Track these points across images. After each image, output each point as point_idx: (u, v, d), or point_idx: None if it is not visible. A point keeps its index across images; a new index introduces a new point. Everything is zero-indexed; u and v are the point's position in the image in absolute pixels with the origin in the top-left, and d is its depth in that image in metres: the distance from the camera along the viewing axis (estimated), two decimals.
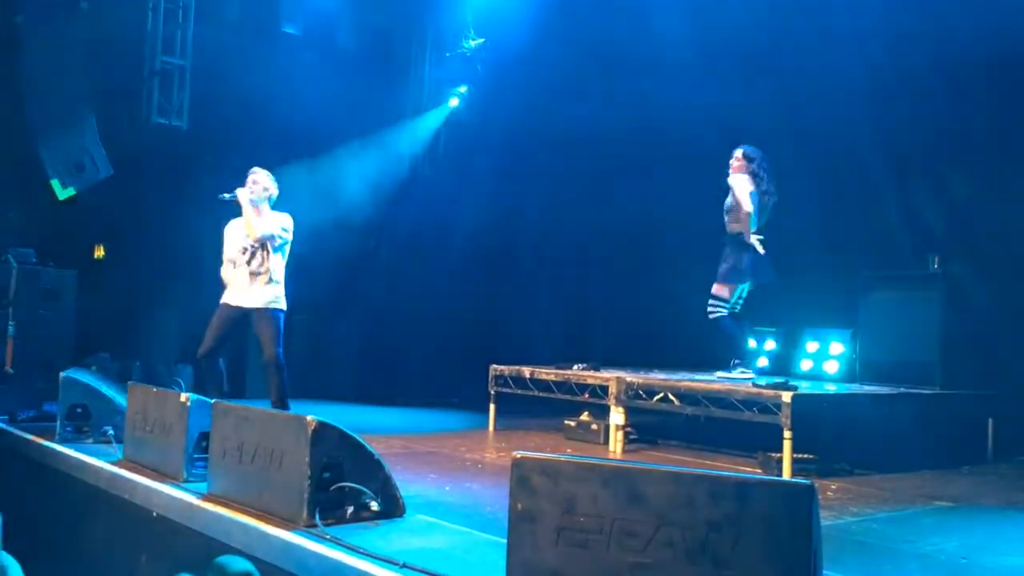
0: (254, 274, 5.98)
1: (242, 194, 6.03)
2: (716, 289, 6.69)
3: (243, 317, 6.01)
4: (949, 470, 5.90)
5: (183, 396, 4.50)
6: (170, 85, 8.92)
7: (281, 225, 6.05)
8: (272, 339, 5.92)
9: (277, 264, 6.05)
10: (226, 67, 9.03)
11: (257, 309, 5.97)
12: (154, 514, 4.22)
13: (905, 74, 7.47)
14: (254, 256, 6.01)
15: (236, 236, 6.09)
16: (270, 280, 6.00)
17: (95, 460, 4.92)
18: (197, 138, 8.92)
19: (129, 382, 5.54)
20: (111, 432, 5.39)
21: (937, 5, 6.90)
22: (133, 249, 8.48)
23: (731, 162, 6.70)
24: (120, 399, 5.46)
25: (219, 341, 5.99)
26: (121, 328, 8.51)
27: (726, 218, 6.70)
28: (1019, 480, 5.72)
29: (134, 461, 4.82)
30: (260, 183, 6.13)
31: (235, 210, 6.08)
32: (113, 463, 4.84)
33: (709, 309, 6.68)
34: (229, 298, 6.04)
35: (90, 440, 5.44)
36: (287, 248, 6.11)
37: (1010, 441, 6.51)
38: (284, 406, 5.80)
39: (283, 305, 6.07)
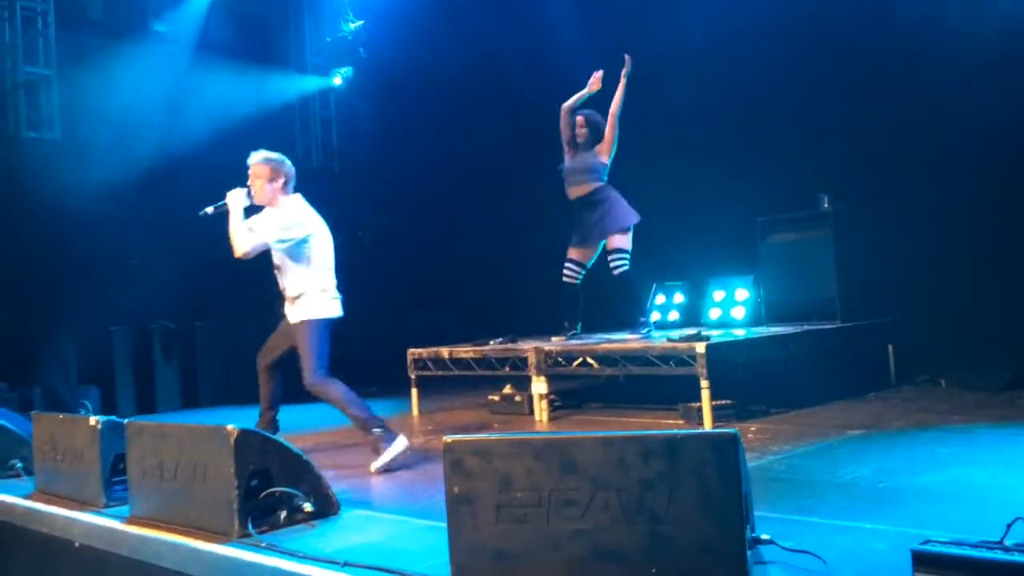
0: (286, 293, 5.05)
1: (234, 199, 4.93)
2: (618, 242, 6.49)
3: (288, 330, 5.08)
4: (857, 399, 6.18)
5: (92, 419, 4.32)
6: (37, 96, 8.49)
7: (280, 225, 4.93)
8: (307, 359, 4.91)
9: (298, 277, 4.98)
10: (95, 72, 8.63)
11: (295, 325, 5.01)
12: (76, 544, 4.06)
13: (786, 19, 7.65)
14: (280, 269, 5.05)
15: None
16: (296, 296, 5.00)
17: (6, 496, 4.69)
18: (73, 149, 8.52)
19: (33, 411, 5.29)
20: (20, 465, 5.13)
21: None
22: (17, 271, 8.07)
23: (580, 135, 6.73)
24: (25, 429, 5.21)
25: (272, 354, 5.15)
26: (16, 355, 8.10)
27: (582, 178, 6.63)
28: (922, 401, 6.03)
29: (48, 492, 4.61)
30: (257, 174, 5.00)
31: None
32: (25, 497, 4.62)
33: (615, 265, 6.50)
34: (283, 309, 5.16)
35: None
36: (304, 246, 4.97)
37: (909, 364, 6.85)
38: (363, 426, 4.90)
39: (318, 313, 4.98)
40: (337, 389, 4.88)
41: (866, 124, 7.42)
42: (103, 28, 9.09)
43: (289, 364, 5.17)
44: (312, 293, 4.98)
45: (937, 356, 6.83)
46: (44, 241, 8.11)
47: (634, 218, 6.57)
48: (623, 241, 6.54)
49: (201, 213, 5.02)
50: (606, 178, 6.67)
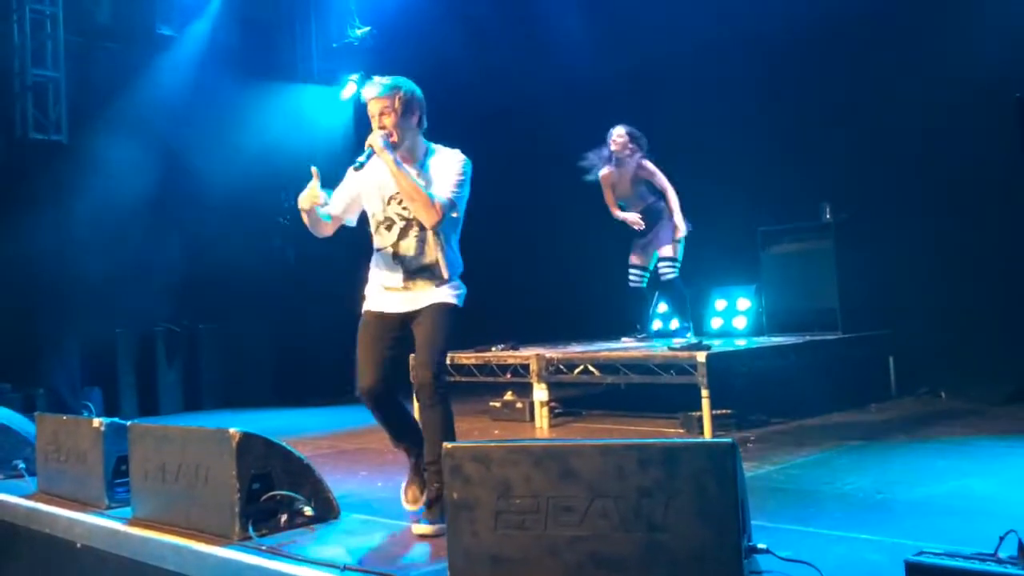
0: (411, 268, 3.64)
1: (376, 143, 3.52)
2: (667, 251, 6.91)
3: (401, 327, 3.71)
4: (857, 410, 6.19)
5: (96, 421, 4.36)
6: (45, 99, 8.53)
7: (458, 172, 3.62)
8: (438, 348, 3.58)
9: (452, 249, 3.69)
10: (103, 75, 8.69)
11: (418, 311, 3.66)
12: (78, 545, 4.08)
13: (788, 28, 7.69)
14: (406, 231, 3.64)
15: (370, 194, 3.70)
16: (444, 270, 3.63)
17: (8, 496, 4.71)
18: (80, 152, 8.56)
19: (36, 412, 5.32)
20: (22, 466, 5.17)
21: None
22: (23, 273, 8.11)
23: (617, 145, 6.92)
24: (27, 430, 5.24)
25: (381, 370, 3.70)
26: (20, 356, 8.14)
27: (643, 201, 6.98)
28: (922, 412, 6.03)
29: (50, 493, 4.64)
30: (383, 110, 3.56)
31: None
32: (28, 498, 4.64)
33: (663, 271, 6.91)
34: (372, 303, 3.77)
35: (0, 476, 5.22)
36: (462, 208, 3.67)
37: (910, 376, 6.85)
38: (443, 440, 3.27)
39: (460, 300, 3.69)
40: (449, 403, 3.60)
41: (868, 135, 7.45)
42: (111, 32, 9.14)
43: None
44: (458, 272, 3.73)
45: (938, 368, 6.84)
46: (49, 243, 8.15)
47: (682, 231, 6.90)
48: (672, 251, 6.93)
49: (355, 167, 3.60)
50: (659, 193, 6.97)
